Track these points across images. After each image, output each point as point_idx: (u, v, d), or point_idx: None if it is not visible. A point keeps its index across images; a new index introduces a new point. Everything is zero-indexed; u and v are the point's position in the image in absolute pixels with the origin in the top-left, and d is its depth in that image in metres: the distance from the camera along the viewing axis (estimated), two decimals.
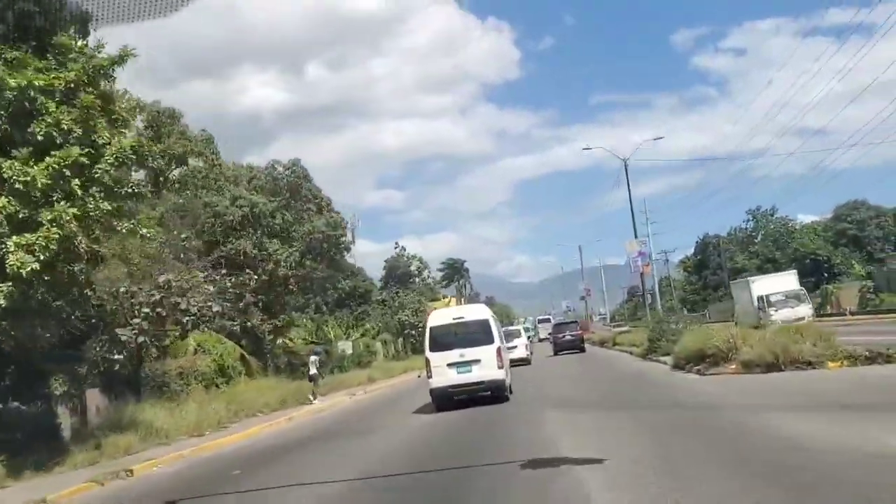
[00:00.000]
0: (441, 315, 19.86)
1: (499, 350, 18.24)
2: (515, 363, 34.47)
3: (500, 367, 18.09)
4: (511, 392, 19.43)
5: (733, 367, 18.34)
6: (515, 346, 35.74)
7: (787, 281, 40.59)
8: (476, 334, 18.25)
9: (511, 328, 41.89)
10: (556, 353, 44.00)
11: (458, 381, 17.89)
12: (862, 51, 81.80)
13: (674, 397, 15.59)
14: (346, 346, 48.18)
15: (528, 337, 60.01)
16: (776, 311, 35.45)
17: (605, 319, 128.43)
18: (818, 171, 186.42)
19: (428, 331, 18.69)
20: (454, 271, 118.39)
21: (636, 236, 56.76)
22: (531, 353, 39.75)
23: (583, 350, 44.70)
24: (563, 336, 45.96)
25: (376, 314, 62.93)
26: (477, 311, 19.88)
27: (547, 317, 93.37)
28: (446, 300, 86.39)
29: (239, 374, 28.20)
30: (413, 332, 55.92)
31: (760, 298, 38.03)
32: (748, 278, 45.27)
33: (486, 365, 17.93)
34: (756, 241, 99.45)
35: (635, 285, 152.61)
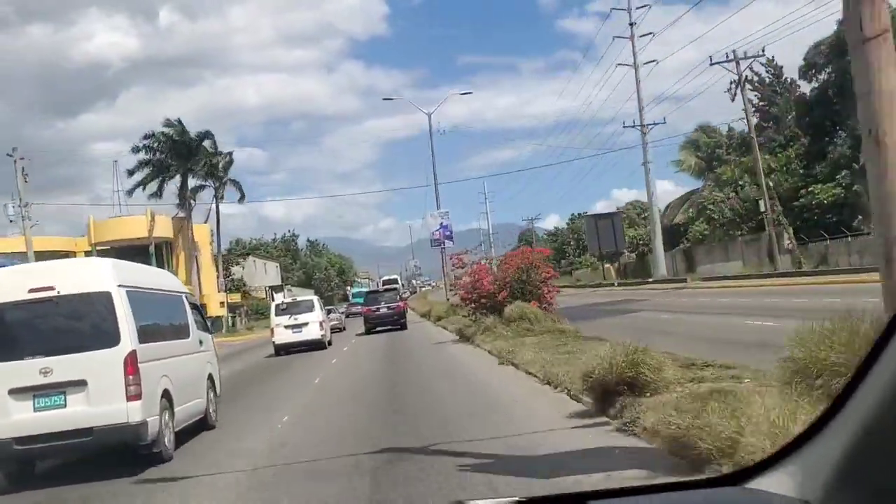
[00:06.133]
0: (7, 283, 8.87)
1: (130, 358, 8.35)
2: (306, 347, 27.01)
3: (134, 397, 8.29)
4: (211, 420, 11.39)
5: None
6: (306, 324, 27.71)
7: None
8: (79, 327, 8.70)
9: (301, 299, 32.70)
10: (367, 332, 35.69)
11: (35, 430, 8.19)
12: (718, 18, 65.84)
13: None
14: None
15: (332, 310, 47.66)
16: None
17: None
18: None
19: None
20: (175, 159, 51.47)
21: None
22: (334, 331, 34.23)
23: (403, 327, 36.06)
24: (378, 309, 36.87)
25: None
26: (86, 276, 8.94)
27: (393, 277, 76.88)
28: (149, 220, 47.66)
29: None
30: None
31: None
32: None
33: (97, 391, 8.30)
34: None
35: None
